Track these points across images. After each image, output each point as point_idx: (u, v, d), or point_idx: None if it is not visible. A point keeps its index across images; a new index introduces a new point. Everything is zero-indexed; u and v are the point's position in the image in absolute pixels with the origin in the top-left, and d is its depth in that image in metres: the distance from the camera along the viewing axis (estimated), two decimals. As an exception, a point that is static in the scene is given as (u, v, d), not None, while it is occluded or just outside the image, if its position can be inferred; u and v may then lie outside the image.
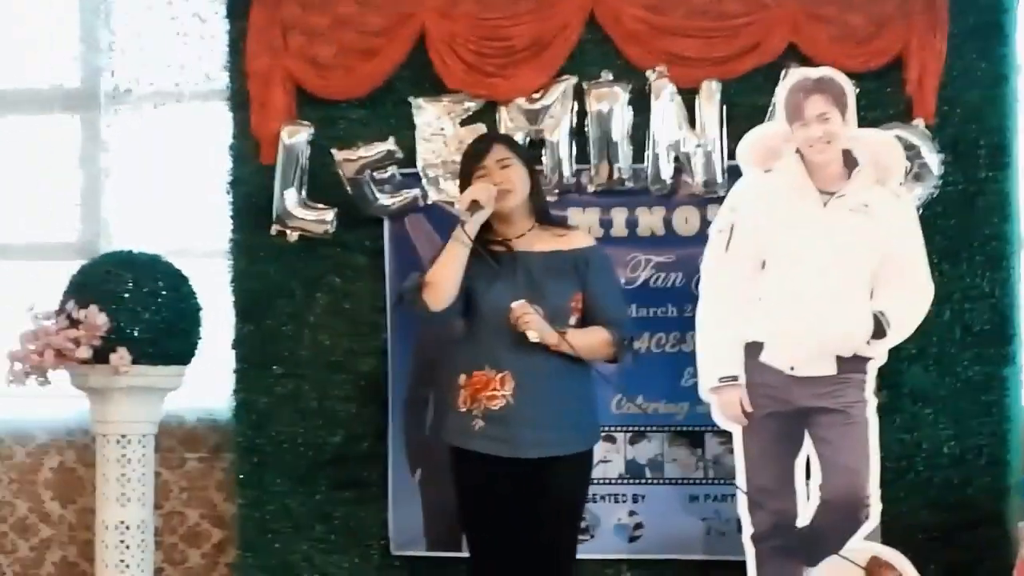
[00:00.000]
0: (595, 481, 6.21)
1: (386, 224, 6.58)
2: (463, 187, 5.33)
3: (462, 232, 5.14)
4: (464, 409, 5.20)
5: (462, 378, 5.23)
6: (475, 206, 5.14)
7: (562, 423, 5.19)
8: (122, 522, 6.40)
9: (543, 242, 5.30)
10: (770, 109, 6.18)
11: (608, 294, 5.34)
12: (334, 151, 6.51)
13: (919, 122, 6.18)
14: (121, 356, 6.20)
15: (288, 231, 6.60)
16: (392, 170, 6.52)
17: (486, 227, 5.26)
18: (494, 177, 5.23)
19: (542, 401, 5.15)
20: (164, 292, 6.42)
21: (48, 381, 6.30)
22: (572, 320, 5.25)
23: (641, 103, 6.36)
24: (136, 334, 6.30)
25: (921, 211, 6.06)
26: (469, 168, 5.32)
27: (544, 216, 5.39)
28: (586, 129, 6.38)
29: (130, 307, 6.31)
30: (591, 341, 5.23)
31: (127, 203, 7.31)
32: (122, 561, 6.40)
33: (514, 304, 5.09)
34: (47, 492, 7.26)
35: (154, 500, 6.59)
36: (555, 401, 5.17)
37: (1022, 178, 6.33)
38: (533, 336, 5.08)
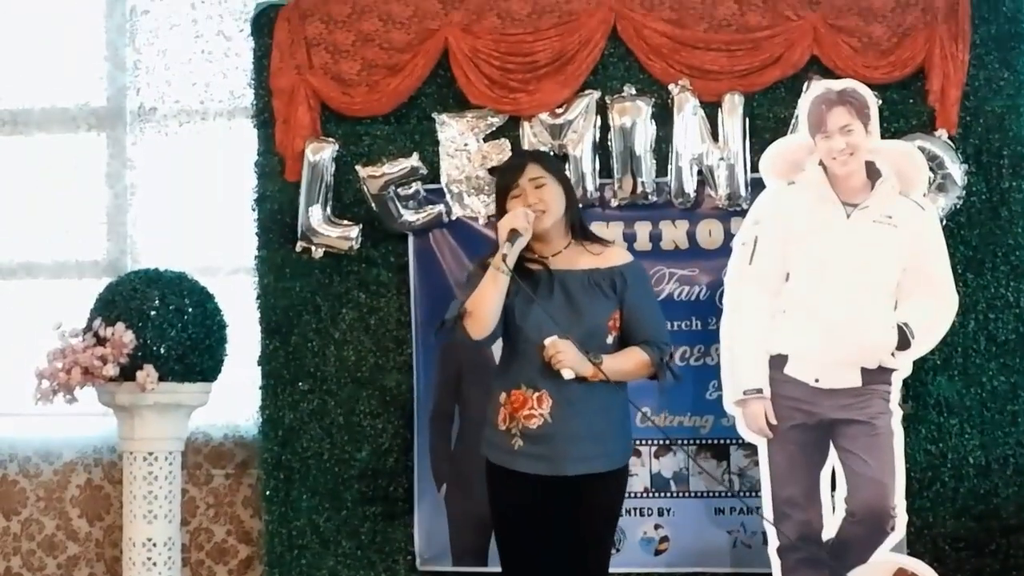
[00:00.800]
0: None
1: (410, 240, 6.59)
2: (499, 207, 5.26)
3: (502, 262, 5.07)
4: (504, 427, 5.15)
5: (503, 396, 5.19)
6: (514, 234, 5.08)
7: (601, 439, 5.14)
8: (149, 539, 6.41)
9: (580, 259, 5.23)
10: (793, 121, 6.20)
11: (646, 312, 5.27)
12: (358, 167, 6.55)
13: (942, 133, 6.18)
14: (148, 373, 6.21)
15: (313, 247, 6.63)
16: (416, 186, 6.54)
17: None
18: (528, 197, 5.16)
19: (580, 419, 5.10)
20: (190, 309, 6.43)
21: (75, 399, 6.31)
22: (609, 339, 5.20)
23: (664, 117, 6.38)
24: (162, 351, 6.32)
25: (945, 222, 6.07)
26: (504, 188, 5.25)
27: (581, 232, 5.33)
28: (609, 143, 6.40)
29: (157, 324, 6.33)
30: (627, 366, 5.18)
31: (153, 221, 7.32)
32: (149, 577, 6.43)
33: (546, 341, 5.04)
34: (74, 510, 7.27)
35: (181, 517, 6.59)
36: (593, 418, 5.13)
37: None
38: (568, 374, 5.03)
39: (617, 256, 5.29)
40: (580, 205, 6.22)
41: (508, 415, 5.14)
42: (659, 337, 5.25)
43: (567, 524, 5.14)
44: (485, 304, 5.08)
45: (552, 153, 6.38)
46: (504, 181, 5.26)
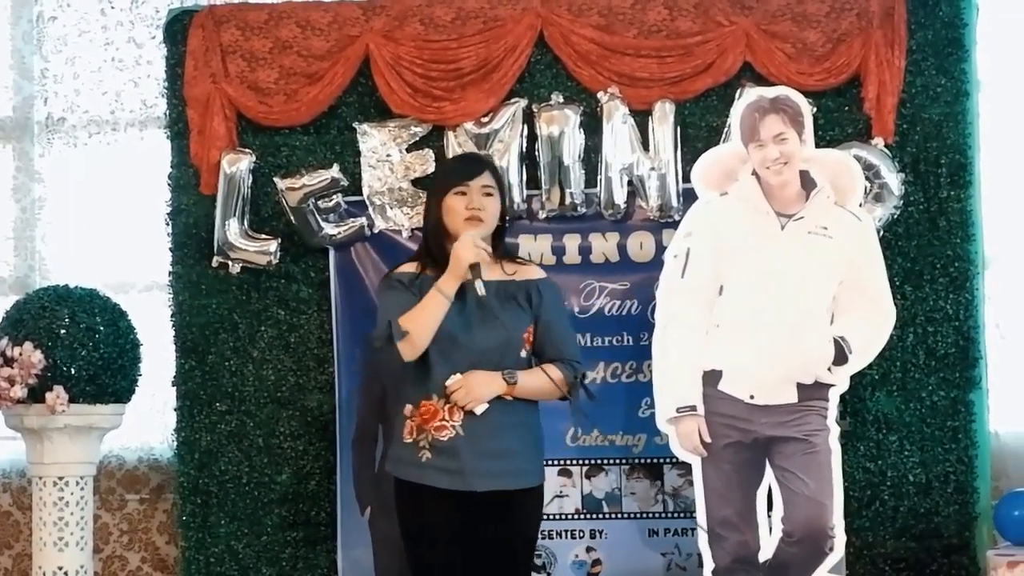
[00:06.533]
0: (551, 517, 6.23)
1: (331, 254, 6.49)
2: (437, 197, 5.12)
3: (449, 287, 4.95)
4: (410, 440, 5.04)
5: (408, 408, 5.07)
6: (475, 271, 4.96)
7: (513, 457, 5.05)
8: (60, 568, 6.28)
9: (496, 273, 5.13)
10: (725, 130, 6.14)
11: (560, 329, 5.20)
12: (277, 179, 6.42)
13: (878, 141, 6.14)
14: (58, 395, 6.09)
15: (230, 263, 6.50)
16: (337, 198, 6.42)
17: (446, 241, 5.08)
18: (473, 201, 5.06)
19: (492, 434, 5.00)
20: (102, 328, 6.32)
21: (-18, 422, 6.19)
22: (524, 352, 5.12)
23: (593, 126, 6.30)
24: (73, 372, 6.21)
25: (882, 232, 6.02)
26: (450, 183, 5.12)
27: (503, 249, 5.23)
28: (537, 153, 6.32)
29: (67, 344, 6.22)
30: (541, 383, 5.09)
31: (62, 236, 7.22)
32: (60, 608, 6.29)
33: (448, 383, 4.96)
34: (-18, 537, 7.16)
35: (93, 544, 6.47)
36: (506, 434, 5.03)
37: (985, 197, 6.31)
38: (480, 409, 4.96)
39: (532, 271, 5.23)
40: (507, 217, 6.19)
41: (416, 427, 5.03)
42: (573, 355, 5.18)
43: (482, 547, 5.03)
44: (427, 328, 4.97)
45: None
46: (455, 178, 5.14)
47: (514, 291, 5.11)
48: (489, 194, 5.10)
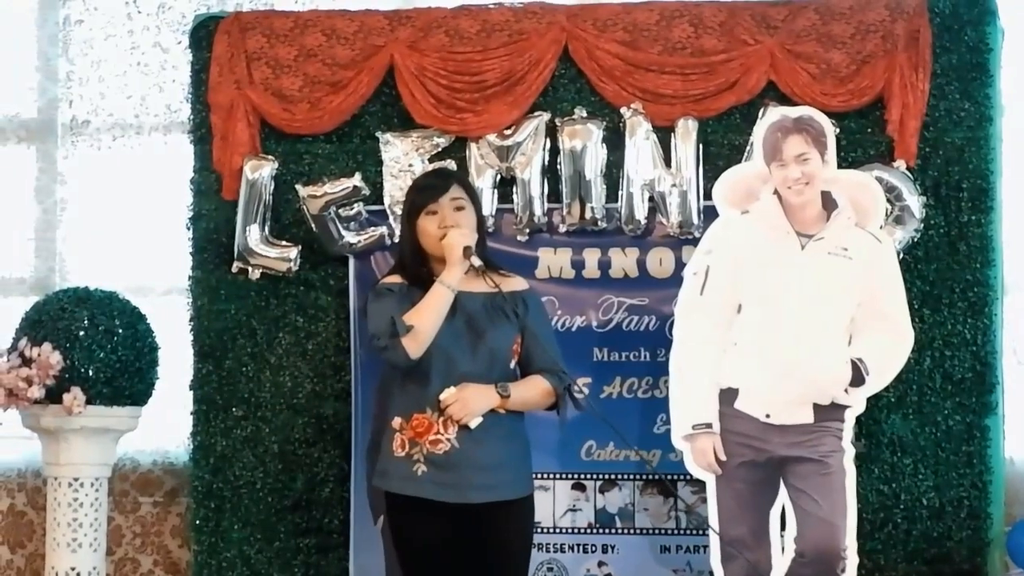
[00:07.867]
0: (564, 530, 6.21)
1: (351, 262, 6.46)
2: (410, 222, 5.12)
3: (452, 278, 4.97)
4: (403, 453, 5.02)
5: (397, 421, 5.05)
6: (468, 251, 4.97)
7: (504, 468, 5.05)
8: (73, 568, 6.28)
9: (480, 285, 5.10)
10: (748, 149, 6.11)
11: (546, 339, 5.21)
12: (299, 187, 6.40)
13: (900, 163, 6.09)
14: (75, 396, 6.09)
15: (250, 269, 6.48)
16: (358, 207, 6.41)
17: (423, 264, 5.10)
18: (446, 219, 5.05)
19: (485, 446, 5.00)
20: (120, 330, 6.32)
21: (-1, 421, 6.18)
22: (512, 363, 5.14)
23: (615, 141, 6.27)
24: (91, 373, 6.21)
25: (902, 255, 5.99)
26: (421, 203, 5.11)
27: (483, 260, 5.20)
28: (558, 167, 6.29)
29: (85, 345, 6.22)
30: (532, 395, 5.12)
31: (83, 238, 7.22)
32: (72, 608, 6.27)
33: (442, 396, 4.94)
34: (-5, 536, 7.15)
35: (106, 546, 6.47)
36: (497, 446, 5.03)
37: (1006, 222, 6.27)
38: (475, 423, 4.95)
39: (516, 283, 5.22)
40: (528, 230, 6.34)
41: (408, 440, 5.01)
42: (558, 365, 5.18)
43: (479, 558, 5.02)
44: (430, 322, 4.96)
45: (499, 176, 6.32)
46: (424, 198, 5.12)
47: (500, 303, 5.10)
48: (460, 208, 5.08)
